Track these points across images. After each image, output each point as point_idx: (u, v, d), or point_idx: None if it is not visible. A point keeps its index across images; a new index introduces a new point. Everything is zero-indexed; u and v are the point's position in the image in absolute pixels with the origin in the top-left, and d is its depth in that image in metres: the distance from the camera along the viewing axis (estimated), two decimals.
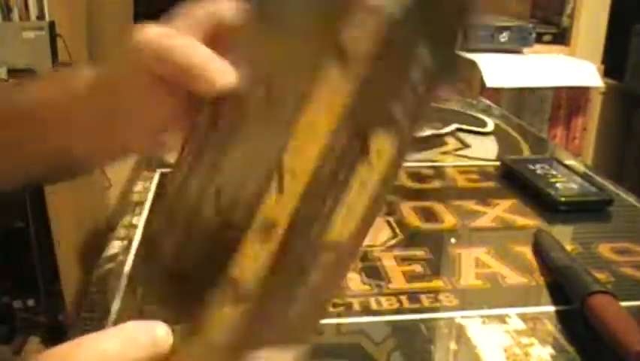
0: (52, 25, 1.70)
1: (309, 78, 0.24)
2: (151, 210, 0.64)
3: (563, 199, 0.69)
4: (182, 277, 0.28)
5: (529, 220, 0.67)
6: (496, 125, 1.02)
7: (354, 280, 0.53)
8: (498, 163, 0.84)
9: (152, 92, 0.32)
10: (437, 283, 0.54)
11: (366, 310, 0.49)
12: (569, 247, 0.59)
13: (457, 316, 0.49)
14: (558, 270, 0.54)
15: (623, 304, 0.47)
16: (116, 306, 0.49)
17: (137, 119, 0.34)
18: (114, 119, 0.34)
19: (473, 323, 0.48)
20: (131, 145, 0.36)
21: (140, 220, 0.64)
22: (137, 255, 0.55)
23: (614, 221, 0.69)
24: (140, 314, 0.30)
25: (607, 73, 1.89)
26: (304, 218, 0.25)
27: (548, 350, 0.45)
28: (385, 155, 0.26)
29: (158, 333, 0.25)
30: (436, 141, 0.95)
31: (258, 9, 0.29)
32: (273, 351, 0.26)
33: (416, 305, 0.50)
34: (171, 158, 0.37)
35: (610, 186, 0.77)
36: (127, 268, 0.55)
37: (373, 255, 0.58)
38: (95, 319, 0.48)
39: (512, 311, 0.50)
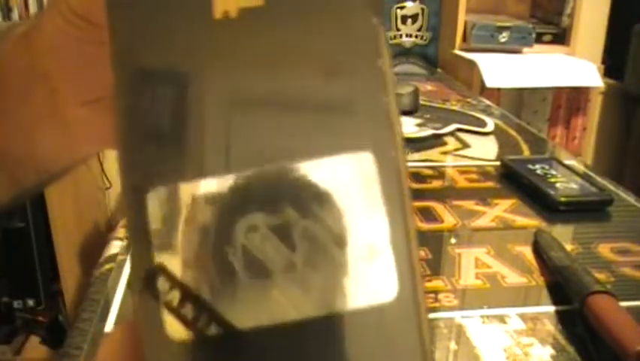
0: None
1: None
2: None
3: (563, 199, 0.69)
4: None
5: (529, 220, 0.67)
6: (496, 125, 1.02)
7: None
8: (498, 163, 0.84)
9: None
10: (437, 283, 0.54)
11: None
12: (569, 247, 0.59)
13: (457, 316, 0.49)
14: (558, 270, 0.54)
15: (623, 304, 0.47)
16: (116, 306, 0.49)
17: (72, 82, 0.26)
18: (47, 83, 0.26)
19: (473, 322, 0.48)
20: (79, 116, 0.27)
21: None
22: None
23: (614, 221, 0.69)
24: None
25: (607, 73, 1.89)
26: None
27: (548, 350, 0.45)
28: None
29: None
30: (436, 141, 0.95)
31: None
32: None
33: None
34: None
35: (610, 186, 0.77)
36: (127, 268, 0.55)
37: None
38: (95, 319, 0.48)
39: (512, 311, 0.50)
